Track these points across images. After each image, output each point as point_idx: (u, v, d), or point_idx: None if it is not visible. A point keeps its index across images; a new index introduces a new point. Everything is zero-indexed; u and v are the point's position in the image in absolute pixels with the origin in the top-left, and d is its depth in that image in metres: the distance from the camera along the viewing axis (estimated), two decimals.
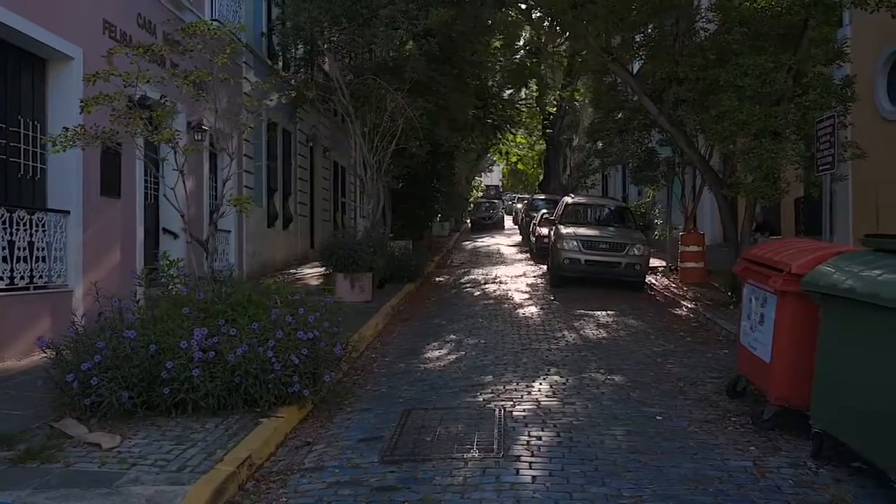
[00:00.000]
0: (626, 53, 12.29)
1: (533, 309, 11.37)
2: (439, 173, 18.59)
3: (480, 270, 17.16)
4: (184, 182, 7.05)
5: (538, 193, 32.08)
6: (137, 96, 7.35)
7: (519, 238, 29.01)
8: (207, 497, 4.16)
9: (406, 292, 13.13)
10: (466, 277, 16.10)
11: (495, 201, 40.32)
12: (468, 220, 37.35)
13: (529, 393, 6.36)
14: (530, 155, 38.20)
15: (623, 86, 13.70)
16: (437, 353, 8.28)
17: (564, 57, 19.66)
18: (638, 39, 12.22)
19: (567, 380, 6.84)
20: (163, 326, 5.67)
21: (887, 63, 12.19)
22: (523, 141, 28.02)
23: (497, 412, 5.73)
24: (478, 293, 13.44)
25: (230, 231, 13.85)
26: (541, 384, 6.65)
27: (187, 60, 11.61)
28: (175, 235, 11.46)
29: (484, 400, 6.16)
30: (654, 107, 11.78)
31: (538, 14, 11.55)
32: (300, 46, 14.18)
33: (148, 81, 6.51)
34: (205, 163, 12.49)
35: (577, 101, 25.71)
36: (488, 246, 26.22)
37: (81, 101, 6.54)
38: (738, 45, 9.82)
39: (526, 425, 5.43)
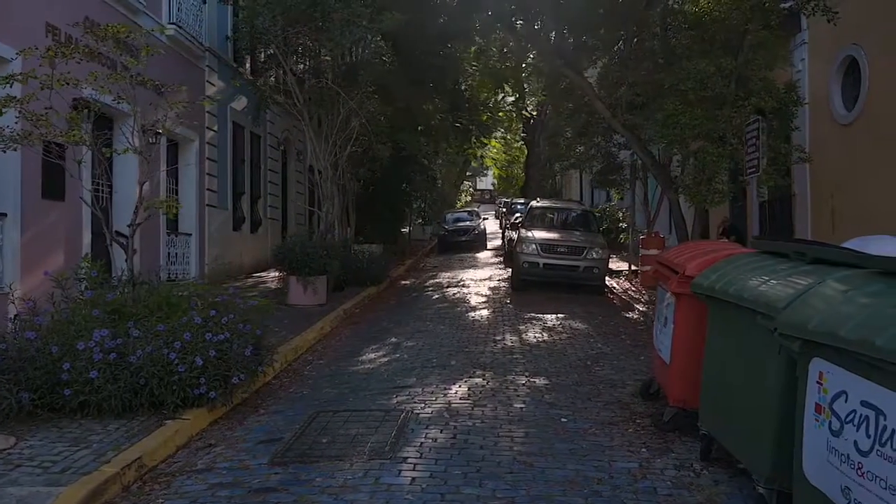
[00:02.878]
0: (580, 57, 12.31)
1: (484, 312, 11.38)
2: (410, 177, 18.59)
3: (448, 274, 17.17)
4: (104, 185, 7.03)
5: (518, 198, 32.12)
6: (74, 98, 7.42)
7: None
8: (81, 498, 4.16)
9: (365, 296, 13.13)
10: (432, 281, 16.10)
11: (474, 210, 30.58)
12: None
13: (445, 395, 6.37)
14: (507, 159, 37.82)
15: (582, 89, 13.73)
16: (371, 356, 8.28)
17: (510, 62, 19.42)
18: (591, 43, 12.25)
19: (488, 382, 6.85)
20: (69, 328, 5.68)
21: (841, 68, 12.23)
22: (497, 145, 27.88)
23: (403, 415, 5.73)
24: (437, 296, 13.44)
25: (190, 234, 13.86)
26: (460, 387, 6.66)
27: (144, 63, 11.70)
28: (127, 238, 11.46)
29: (397, 402, 6.17)
30: (606, 110, 11.82)
31: (486, 16, 11.54)
32: (261, 50, 14.20)
33: (66, 84, 6.49)
34: (161, 165, 12.49)
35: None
36: (462, 252, 26.09)
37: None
38: (683, 49, 9.85)
39: (427, 427, 5.44)
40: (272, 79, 15.23)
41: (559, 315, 10.98)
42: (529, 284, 13.67)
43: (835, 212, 12.47)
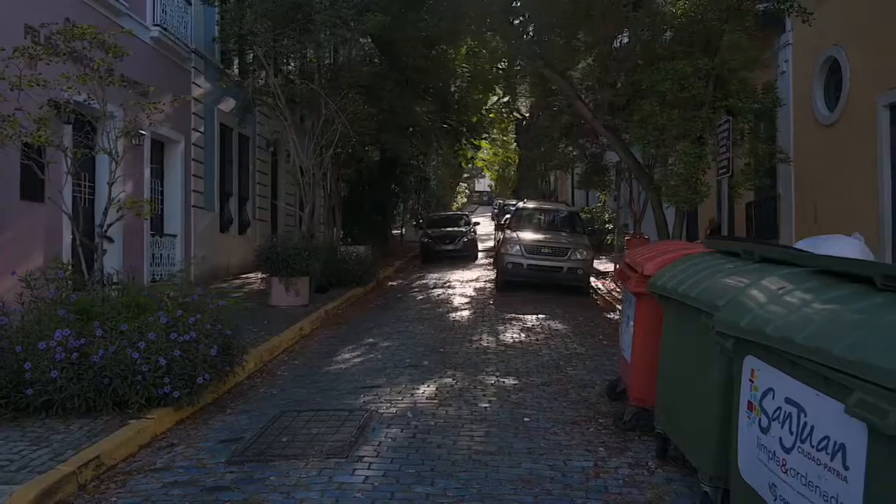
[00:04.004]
0: (561, 58, 12.32)
1: (465, 313, 11.40)
2: (399, 179, 18.60)
3: (435, 275, 17.17)
4: (80, 185, 7.05)
5: (511, 199, 32.13)
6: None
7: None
8: (34, 496, 4.17)
9: (350, 297, 13.15)
10: (419, 282, 16.12)
11: (463, 214, 26.33)
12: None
13: (412, 395, 6.39)
14: (502, 161, 37.68)
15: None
16: (346, 357, 8.30)
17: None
18: (572, 44, 12.26)
19: (457, 382, 6.86)
20: (36, 329, 5.70)
21: (823, 68, 12.26)
22: (488, 146, 27.86)
23: (366, 414, 5.75)
24: (421, 297, 13.46)
25: (176, 235, 13.89)
26: (428, 387, 6.68)
27: (122, 65, 11.73)
28: (111, 240, 11.48)
29: (363, 402, 6.18)
30: (588, 112, 11.84)
31: (469, 17, 11.56)
32: (247, 52, 14.23)
33: (36, 85, 6.51)
34: (145, 166, 12.53)
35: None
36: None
37: None
38: (662, 50, 9.87)
39: (389, 427, 5.45)
40: (259, 80, 15.28)
41: (540, 316, 11.00)
42: (514, 285, 13.69)
43: (818, 212, 12.50)
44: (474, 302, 12.68)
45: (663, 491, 4.25)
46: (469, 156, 28.26)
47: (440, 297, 13.43)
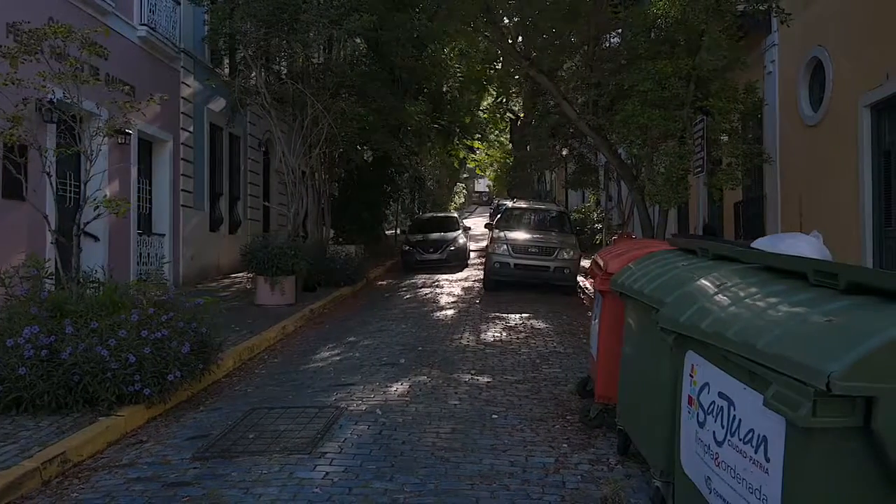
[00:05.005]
0: (546, 58, 12.36)
1: (450, 312, 11.43)
2: (390, 179, 18.63)
3: (425, 275, 17.19)
4: (52, 184, 7.10)
5: (505, 199, 32.10)
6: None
7: None
8: None
9: (337, 296, 13.18)
10: (408, 281, 16.14)
11: (451, 216, 22.19)
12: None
13: (384, 393, 6.42)
14: (499, 161, 37.52)
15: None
16: (325, 355, 8.33)
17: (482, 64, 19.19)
18: (557, 44, 12.30)
19: (432, 380, 6.89)
20: (5, 326, 5.74)
21: (808, 69, 12.29)
22: (480, 146, 27.87)
23: (336, 411, 5.78)
24: (408, 296, 13.49)
25: (164, 235, 13.92)
26: (402, 385, 6.71)
27: (109, 64, 11.76)
28: (96, 238, 11.53)
29: (335, 400, 6.22)
30: (573, 111, 11.87)
31: (456, 18, 11.58)
32: (239, 51, 14.26)
33: (9, 84, 6.54)
34: (132, 165, 12.57)
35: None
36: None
37: None
38: (645, 51, 9.91)
39: (356, 424, 5.49)
40: (249, 80, 15.31)
41: (524, 315, 11.03)
42: (502, 285, 13.73)
43: (802, 212, 12.53)
44: (461, 301, 12.71)
45: (620, 486, 4.27)
46: (462, 156, 28.29)
47: (427, 296, 13.47)
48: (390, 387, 6.63)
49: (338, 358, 8.12)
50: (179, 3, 14.19)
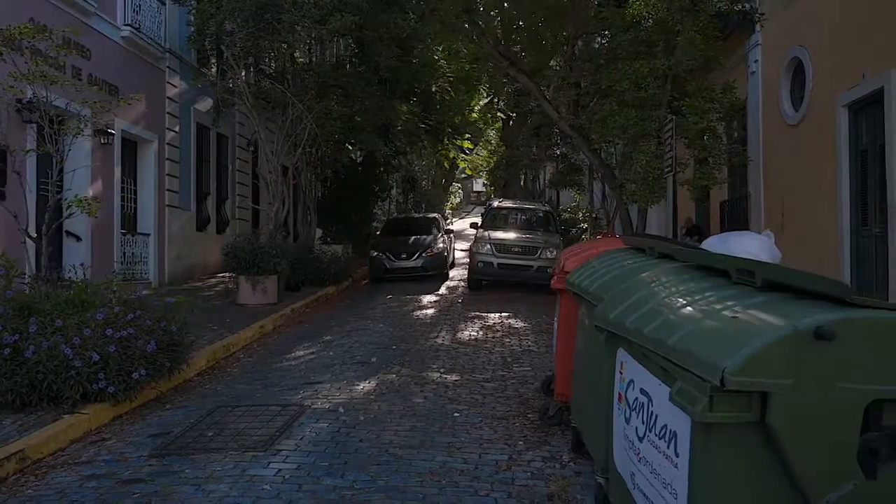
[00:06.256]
0: (526, 58, 12.40)
1: (430, 311, 11.47)
2: (379, 178, 18.67)
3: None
4: (22, 184, 7.14)
5: (497, 199, 32.08)
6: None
7: None
8: None
9: (321, 295, 13.22)
10: (391, 283, 16.15)
11: (432, 217, 19.43)
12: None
13: (350, 391, 6.46)
14: (486, 160, 37.48)
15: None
16: (300, 353, 8.37)
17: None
18: (538, 43, 12.33)
19: (400, 379, 6.93)
20: None
21: (789, 69, 12.33)
22: (470, 146, 27.90)
23: (299, 409, 5.82)
24: (391, 296, 13.52)
25: (149, 234, 13.96)
26: (370, 383, 6.75)
27: (91, 64, 11.80)
28: (78, 238, 11.56)
29: (300, 398, 6.25)
30: (553, 111, 11.90)
31: (435, 18, 11.62)
32: (223, 51, 14.30)
33: None
34: (115, 166, 12.60)
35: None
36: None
37: None
38: (623, 51, 9.95)
39: (317, 421, 5.52)
40: (232, 80, 15.35)
41: (503, 314, 11.07)
42: (486, 284, 13.77)
43: (785, 212, 12.58)
44: (443, 300, 12.75)
45: (568, 483, 4.31)
46: (452, 156, 28.34)
47: (408, 294, 13.49)
48: (357, 385, 6.67)
49: (311, 356, 8.16)
50: (165, 4, 14.22)
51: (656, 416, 2.76)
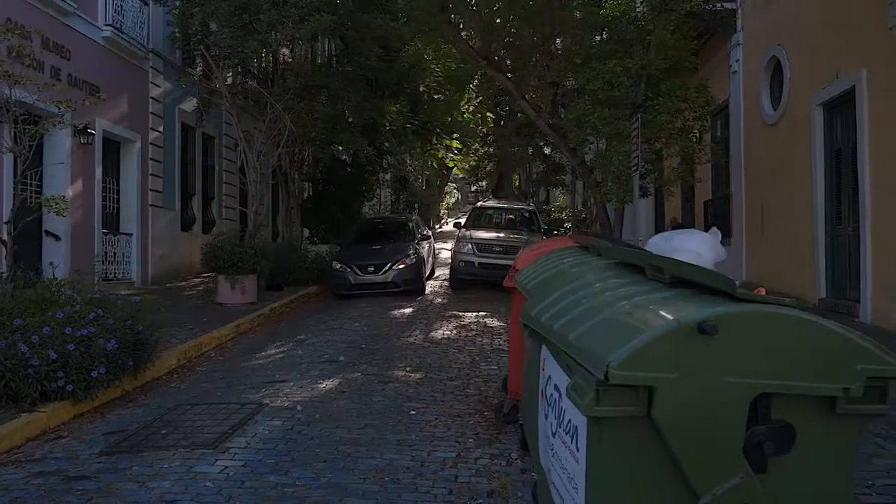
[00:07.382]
0: (504, 58, 12.42)
1: (408, 311, 11.49)
2: (365, 179, 18.69)
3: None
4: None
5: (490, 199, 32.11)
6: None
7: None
8: None
9: (302, 295, 13.23)
10: None
11: (410, 219, 17.70)
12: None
13: (312, 389, 6.48)
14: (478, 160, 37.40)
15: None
16: (271, 352, 8.40)
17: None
18: (516, 44, 12.35)
19: (364, 377, 6.95)
20: None
21: (769, 67, 12.36)
22: (458, 146, 27.90)
23: (257, 407, 5.84)
24: (371, 294, 13.52)
25: (132, 234, 13.98)
26: (333, 381, 6.77)
27: (71, 64, 11.81)
28: (57, 237, 11.58)
29: (261, 396, 6.27)
30: (532, 111, 11.92)
31: (413, 18, 11.64)
32: (201, 52, 14.33)
33: None
34: (97, 166, 12.62)
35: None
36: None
37: None
38: (597, 50, 9.97)
39: (272, 419, 5.54)
40: (213, 81, 15.37)
41: (481, 313, 11.09)
42: (468, 283, 13.78)
43: (764, 210, 12.61)
44: (423, 300, 12.77)
45: (511, 480, 4.34)
46: (440, 156, 28.39)
47: (390, 293, 13.48)
48: (320, 384, 6.69)
49: (281, 355, 8.18)
50: (147, 4, 14.24)
51: (564, 410, 2.78)
